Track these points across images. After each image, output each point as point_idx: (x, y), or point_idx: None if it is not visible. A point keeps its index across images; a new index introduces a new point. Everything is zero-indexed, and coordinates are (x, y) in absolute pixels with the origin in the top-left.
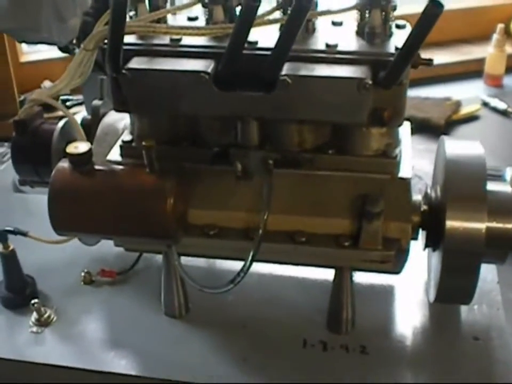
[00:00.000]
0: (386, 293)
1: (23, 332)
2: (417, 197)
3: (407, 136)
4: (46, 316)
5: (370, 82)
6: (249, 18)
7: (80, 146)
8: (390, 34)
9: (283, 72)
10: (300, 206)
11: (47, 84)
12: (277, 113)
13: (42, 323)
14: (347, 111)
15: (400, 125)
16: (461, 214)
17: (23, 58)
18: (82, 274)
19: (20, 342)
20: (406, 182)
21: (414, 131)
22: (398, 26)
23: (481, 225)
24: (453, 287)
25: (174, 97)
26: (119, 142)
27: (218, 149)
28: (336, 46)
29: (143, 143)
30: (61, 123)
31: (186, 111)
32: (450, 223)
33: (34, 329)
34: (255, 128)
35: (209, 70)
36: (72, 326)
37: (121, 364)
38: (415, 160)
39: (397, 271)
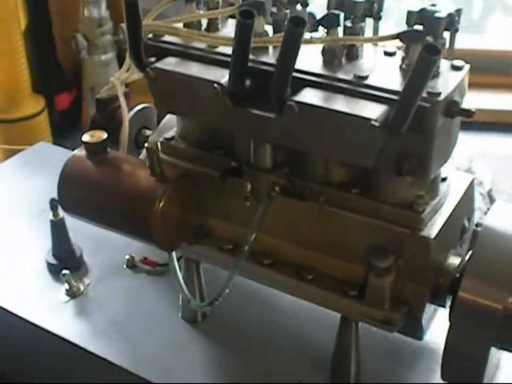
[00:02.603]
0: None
1: (52, 297)
2: (454, 259)
3: (459, 192)
4: (75, 288)
5: (376, 124)
6: (244, 36)
7: (96, 136)
8: (436, 75)
9: (295, 98)
10: (315, 240)
11: None
12: (284, 139)
13: (71, 294)
14: (353, 151)
15: (427, 177)
16: (477, 286)
17: None
18: (127, 257)
19: (45, 305)
20: (426, 241)
21: None
22: (454, 67)
23: (497, 305)
24: (458, 371)
25: (190, 103)
26: (161, 138)
27: (236, 164)
28: (365, 78)
29: (146, 145)
30: (136, 108)
31: (200, 118)
32: (462, 294)
33: (62, 298)
34: (267, 150)
35: (222, 81)
36: (95, 304)
37: (118, 354)
38: None
39: (416, 337)
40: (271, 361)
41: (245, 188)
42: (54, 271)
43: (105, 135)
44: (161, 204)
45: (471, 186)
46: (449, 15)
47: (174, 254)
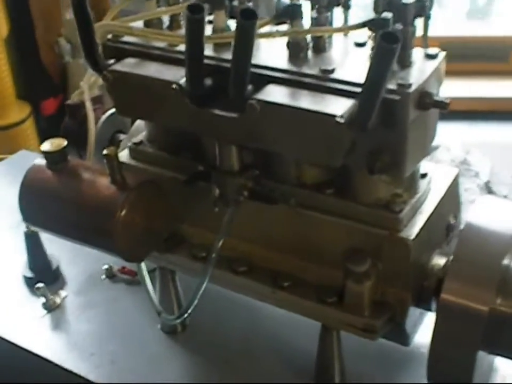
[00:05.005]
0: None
1: (29, 312)
2: (439, 259)
3: (442, 188)
4: (51, 301)
5: (342, 120)
6: (193, 33)
7: (55, 144)
8: (408, 65)
9: (256, 96)
10: (290, 245)
11: None
12: (247, 140)
13: (47, 308)
14: (320, 150)
15: (402, 174)
16: (460, 287)
17: None
18: (105, 267)
19: (21, 320)
20: (406, 243)
21: None
22: (428, 56)
23: (483, 307)
24: (445, 377)
25: (150, 105)
26: (129, 143)
27: (203, 168)
28: (331, 71)
29: (104, 152)
30: (109, 112)
31: (162, 121)
32: (445, 296)
33: (39, 312)
34: (233, 152)
35: (181, 82)
36: (72, 317)
37: (94, 370)
38: None
39: (402, 343)
40: (252, 371)
41: (212, 192)
42: (31, 284)
43: (64, 143)
44: (122, 213)
45: (455, 181)
46: (419, 1)
47: (142, 264)
